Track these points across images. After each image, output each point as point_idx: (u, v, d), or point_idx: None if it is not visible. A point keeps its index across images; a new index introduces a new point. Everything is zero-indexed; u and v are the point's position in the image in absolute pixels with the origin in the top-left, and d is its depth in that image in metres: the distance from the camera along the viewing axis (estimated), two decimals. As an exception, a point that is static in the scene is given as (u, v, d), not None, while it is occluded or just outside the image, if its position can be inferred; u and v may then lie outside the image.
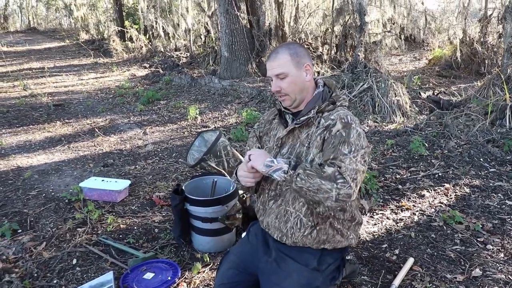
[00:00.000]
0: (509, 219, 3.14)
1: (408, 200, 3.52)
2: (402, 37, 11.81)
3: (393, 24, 11.35)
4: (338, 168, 1.62)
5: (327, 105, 1.83)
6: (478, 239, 2.91)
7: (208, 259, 2.75)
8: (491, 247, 2.81)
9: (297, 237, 1.85)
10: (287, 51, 1.81)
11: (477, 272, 2.54)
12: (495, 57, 8.55)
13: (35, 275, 2.66)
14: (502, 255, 2.72)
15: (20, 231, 3.18)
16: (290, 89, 1.82)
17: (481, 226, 3.04)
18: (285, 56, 1.80)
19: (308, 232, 1.84)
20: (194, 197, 2.79)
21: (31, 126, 6.16)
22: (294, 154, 1.84)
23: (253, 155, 1.78)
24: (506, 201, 3.42)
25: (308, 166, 1.68)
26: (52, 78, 9.84)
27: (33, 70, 10.95)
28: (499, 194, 3.55)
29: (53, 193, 3.86)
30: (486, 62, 8.65)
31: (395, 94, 6.04)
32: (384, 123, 5.64)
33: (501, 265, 2.61)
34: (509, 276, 2.49)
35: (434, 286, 2.42)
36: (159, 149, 5.05)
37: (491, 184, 3.73)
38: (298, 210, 1.84)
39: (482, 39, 8.83)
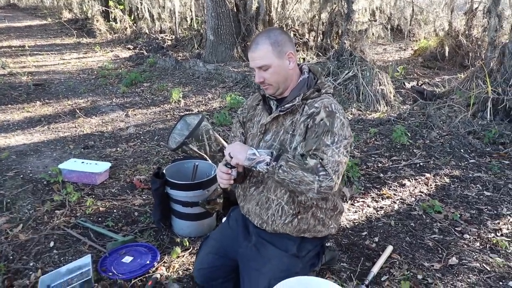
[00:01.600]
0: (486, 210, 3.20)
1: (389, 189, 3.55)
2: (389, 27, 11.82)
3: (381, 13, 11.34)
4: (321, 160, 1.62)
5: (312, 92, 1.81)
6: (456, 228, 2.95)
7: (187, 243, 2.73)
8: (468, 236, 2.86)
9: (277, 225, 1.85)
10: (267, 41, 1.76)
11: (453, 260, 2.58)
12: (479, 50, 8.62)
13: (11, 257, 2.62)
14: (478, 244, 2.77)
15: (-4, 212, 3.12)
16: (273, 79, 1.79)
17: (459, 215, 3.09)
18: (266, 46, 1.75)
19: (289, 220, 1.83)
20: (175, 181, 2.76)
21: (9, 105, 6.01)
22: (278, 141, 1.82)
23: (233, 151, 1.75)
24: (484, 192, 3.48)
25: (290, 157, 1.66)
26: (32, 57, 9.60)
27: (13, 48, 10.66)
28: (477, 185, 3.60)
29: (31, 175, 3.79)
30: (470, 54, 8.71)
31: (379, 83, 6.06)
32: (367, 112, 5.67)
33: (476, 253, 2.66)
34: (484, 265, 2.54)
35: (411, 274, 2.45)
36: (141, 132, 4.99)
37: (470, 175, 3.78)
38: (280, 197, 1.83)
39: (467, 32, 8.88)
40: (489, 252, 2.69)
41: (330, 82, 6.17)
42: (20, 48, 10.67)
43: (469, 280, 2.41)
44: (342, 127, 1.70)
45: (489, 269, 2.51)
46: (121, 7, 13.96)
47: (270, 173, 1.69)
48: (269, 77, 1.78)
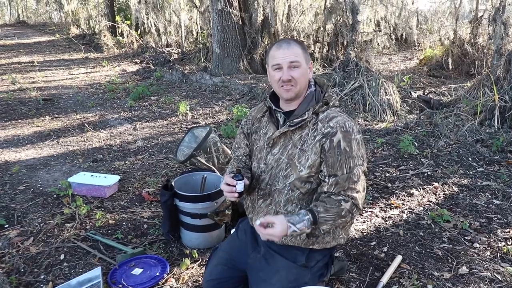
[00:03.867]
0: (495, 218, 3.18)
1: (397, 198, 3.54)
2: (394, 36, 11.87)
3: (386, 23, 11.39)
4: (353, 201, 1.75)
5: (321, 106, 1.82)
6: (466, 237, 2.93)
7: (196, 255, 2.74)
8: (478, 245, 2.84)
9: (286, 238, 1.85)
10: (298, 45, 1.82)
11: (463, 269, 2.56)
12: (485, 58, 8.61)
13: (22, 270, 2.64)
14: (488, 253, 2.75)
15: (7, 226, 3.15)
16: (300, 80, 1.80)
17: (468, 224, 3.07)
18: (298, 47, 1.80)
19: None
20: (184, 193, 2.78)
21: (19, 120, 6.09)
22: (286, 155, 1.83)
23: (275, 235, 1.65)
24: (493, 200, 3.46)
25: (327, 213, 1.71)
26: (41, 73, 9.74)
27: (22, 64, 10.83)
28: (486, 193, 3.58)
29: (41, 188, 3.83)
30: (476, 63, 8.71)
31: (385, 93, 6.07)
32: (374, 122, 5.67)
33: (487, 263, 2.64)
34: (495, 274, 2.52)
35: (421, 284, 2.44)
36: (149, 145, 5.02)
37: (479, 184, 3.76)
38: (290, 211, 1.84)
39: (472, 40, 8.89)
40: (500, 261, 2.66)
41: (336, 93, 6.20)
42: (29, 64, 10.83)
43: (480, 289, 2.40)
44: (358, 146, 1.77)
45: (500, 278, 2.49)
46: (128, 22, 14.17)
47: (313, 231, 1.77)
48: (298, 77, 1.79)
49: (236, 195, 1.80)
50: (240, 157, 2.09)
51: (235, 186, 1.78)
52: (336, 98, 1.90)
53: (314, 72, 8.28)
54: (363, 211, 3.33)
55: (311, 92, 1.88)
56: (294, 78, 1.78)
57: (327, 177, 1.76)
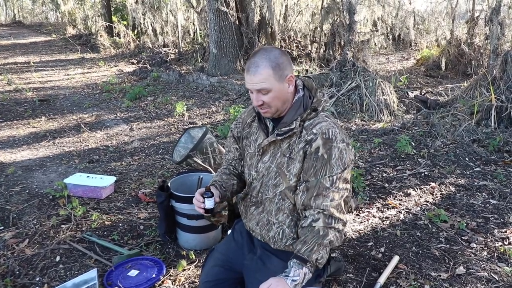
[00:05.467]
0: (492, 218, 3.18)
1: (394, 199, 3.53)
2: (391, 36, 11.88)
3: (383, 23, 11.40)
4: (324, 213, 1.66)
5: (309, 113, 1.77)
6: (463, 237, 2.93)
7: (193, 256, 2.73)
8: (475, 245, 2.84)
9: (279, 245, 1.85)
10: (269, 64, 1.68)
11: (461, 270, 2.56)
12: (481, 58, 8.63)
13: (17, 272, 2.62)
14: (485, 253, 2.75)
15: (1, 228, 3.13)
16: (273, 103, 1.74)
17: (465, 224, 3.07)
18: (267, 70, 1.68)
19: (290, 243, 1.83)
20: (180, 194, 2.77)
21: (15, 121, 6.06)
22: (275, 164, 1.81)
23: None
24: (490, 200, 3.46)
25: (303, 247, 1.63)
26: (37, 73, 9.70)
27: (18, 65, 10.79)
28: (483, 193, 3.58)
29: (36, 189, 3.80)
30: (473, 63, 8.72)
31: (382, 93, 6.07)
32: (371, 122, 5.67)
33: (484, 263, 2.64)
34: (492, 274, 2.52)
35: (418, 284, 2.43)
36: (145, 146, 5.01)
37: (475, 183, 3.76)
38: (281, 221, 1.83)
39: (469, 41, 8.91)
40: (496, 261, 2.66)
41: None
42: (25, 65, 10.79)
43: (477, 290, 2.40)
44: (340, 155, 1.69)
45: (497, 278, 2.48)
46: (125, 22, 14.15)
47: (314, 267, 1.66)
48: (269, 101, 1.72)
49: (203, 211, 1.80)
50: (230, 161, 2.07)
51: (203, 203, 1.78)
52: (327, 101, 1.85)
53: (311, 72, 8.28)
54: (360, 211, 3.32)
55: (299, 98, 1.81)
56: (265, 102, 1.73)
57: (300, 185, 1.73)
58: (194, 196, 1.86)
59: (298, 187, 1.74)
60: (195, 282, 2.51)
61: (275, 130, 1.81)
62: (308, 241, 1.64)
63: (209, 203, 1.78)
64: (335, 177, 1.68)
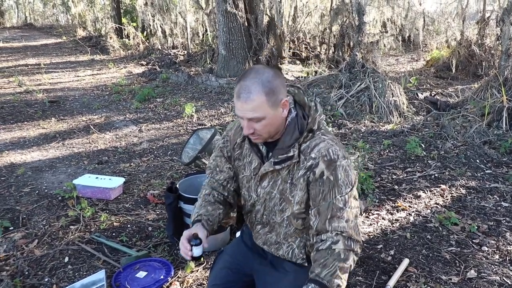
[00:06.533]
0: (504, 221, 3.13)
1: (404, 201, 3.50)
2: (400, 38, 11.81)
3: (393, 24, 11.34)
4: (344, 235, 1.54)
5: (306, 136, 1.63)
6: (474, 240, 2.89)
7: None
8: (486, 248, 2.80)
9: (288, 263, 1.81)
10: (262, 89, 1.51)
11: (472, 273, 2.53)
12: (492, 59, 8.55)
13: (26, 273, 2.63)
14: (497, 256, 2.71)
15: (11, 228, 3.15)
16: (265, 130, 1.59)
17: (476, 227, 3.03)
18: (260, 97, 1.51)
19: (300, 262, 1.78)
20: (188, 195, 2.76)
21: (25, 122, 6.11)
22: (277, 190, 1.70)
23: None
24: (502, 203, 3.41)
25: (323, 271, 1.51)
26: (48, 75, 9.78)
27: (29, 66, 10.88)
28: (495, 196, 3.54)
29: (46, 190, 3.83)
30: (484, 64, 8.65)
31: (392, 94, 6.03)
32: (381, 123, 5.63)
33: (496, 266, 2.60)
34: (504, 278, 2.48)
35: (428, 287, 2.41)
36: (154, 147, 5.02)
37: (487, 186, 3.72)
38: (291, 242, 1.77)
39: (479, 41, 8.83)
40: (509, 264, 2.62)
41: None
42: (36, 66, 10.88)
43: (488, 294, 2.36)
44: (346, 174, 1.58)
45: (510, 283, 2.45)
46: (134, 24, 14.22)
47: None
48: (261, 129, 1.57)
49: (190, 258, 1.71)
50: (221, 182, 1.90)
51: (190, 250, 1.66)
52: (322, 117, 1.69)
53: (320, 74, 8.25)
54: (370, 213, 3.30)
55: (293, 119, 1.65)
56: (256, 130, 1.58)
57: (311, 211, 1.63)
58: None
59: (309, 212, 1.63)
60: (204, 284, 2.51)
61: (270, 157, 1.69)
62: (329, 264, 1.52)
63: (197, 251, 1.66)
64: (346, 196, 1.57)
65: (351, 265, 1.54)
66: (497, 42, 8.17)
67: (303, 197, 1.65)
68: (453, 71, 9.01)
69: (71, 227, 3.16)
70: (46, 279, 2.58)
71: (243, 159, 1.81)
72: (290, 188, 1.67)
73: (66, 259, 2.78)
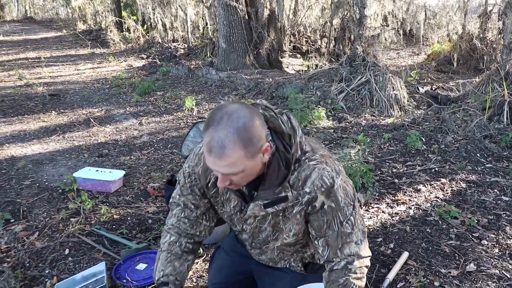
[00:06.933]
0: (504, 215, 3.13)
1: (404, 194, 3.50)
2: (401, 31, 11.76)
3: (394, 17, 11.29)
4: (356, 257, 1.51)
5: (293, 170, 1.45)
6: (473, 234, 2.90)
7: (201, 250, 2.73)
8: (486, 242, 2.80)
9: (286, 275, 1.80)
10: (238, 142, 1.25)
11: (471, 267, 2.53)
12: (494, 53, 8.51)
13: (27, 264, 2.64)
14: (496, 250, 2.72)
15: (12, 220, 3.16)
16: (244, 180, 1.40)
17: (476, 221, 3.03)
18: (237, 151, 1.26)
19: (297, 273, 1.78)
20: (188, 188, 2.76)
21: (26, 115, 6.11)
22: (268, 225, 1.58)
23: None
24: (502, 197, 3.41)
25: None
26: (48, 68, 9.76)
27: (29, 60, 10.86)
28: (495, 190, 3.54)
29: (46, 183, 3.83)
30: (485, 58, 8.61)
31: (393, 88, 6.02)
32: (381, 117, 5.62)
33: (495, 260, 2.60)
34: (503, 272, 2.49)
35: (428, 281, 2.41)
36: (154, 140, 5.02)
37: (487, 180, 3.71)
38: (287, 259, 1.75)
39: (481, 35, 8.79)
40: (508, 258, 2.63)
41: (342, 88, 6.15)
42: (36, 60, 10.86)
43: (488, 287, 2.36)
44: (345, 192, 1.48)
45: (509, 276, 2.45)
46: (134, 17, 14.17)
47: None
48: (239, 180, 1.38)
49: None
50: (195, 219, 1.71)
51: None
52: (301, 135, 1.47)
53: (321, 67, 8.23)
54: (370, 207, 3.30)
55: (274, 155, 1.41)
56: (233, 181, 1.38)
57: (316, 240, 1.55)
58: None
59: (315, 242, 1.56)
60: (203, 276, 2.51)
61: (255, 197, 1.50)
62: (349, 285, 1.49)
63: None
64: (351, 218, 1.50)
65: (362, 277, 1.53)
66: (499, 36, 8.13)
67: (300, 229, 1.57)
68: (454, 65, 8.98)
69: (72, 219, 3.17)
70: (47, 271, 2.58)
71: (220, 196, 1.61)
72: (283, 220, 1.55)
73: (67, 251, 2.78)
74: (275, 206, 1.48)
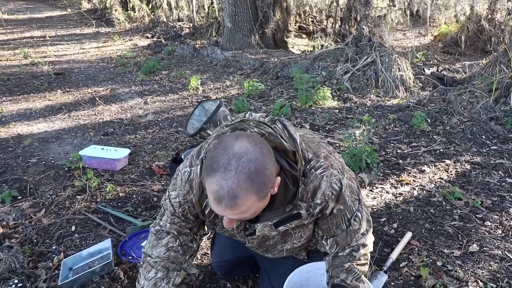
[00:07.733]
0: (508, 197, 3.14)
1: (408, 175, 3.51)
2: (408, 12, 11.60)
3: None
4: (362, 246, 1.56)
5: (302, 182, 1.38)
6: (477, 215, 2.91)
7: (206, 228, 2.75)
8: (489, 223, 2.81)
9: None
10: (252, 189, 1.14)
11: (474, 247, 2.55)
12: (502, 34, 8.39)
13: (35, 240, 2.68)
14: (499, 231, 2.73)
15: (20, 197, 3.19)
16: (252, 216, 1.30)
17: (480, 202, 3.04)
18: (250, 199, 1.16)
19: (301, 259, 1.80)
20: (193, 167, 2.77)
21: (31, 94, 6.12)
22: (277, 234, 1.53)
23: None
24: (507, 179, 3.41)
25: (349, 277, 1.52)
26: (53, 47, 9.73)
27: (34, 39, 10.82)
28: (499, 172, 3.53)
29: (53, 161, 3.86)
30: (493, 39, 8.49)
31: (398, 69, 5.97)
32: (386, 98, 5.59)
33: (498, 241, 2.62)
34: (506, 252, 2.50)
35: (431, 260, 2.43)
36: (159, 119, 5.02)
37: (492, 162, 3.71)
38: (290, 251, 1.74)
39: (489, 16, 8.65)
40: (511, 239, 2.64)
41: (348, 68, 6.10)
42: (41, 39, 10.82)
43: (490, 268, 2.38)
44: (351, 190, 1.48)
45: (511, 257, 2.47)
46: (139, -4, 14.02)
47: None
48: (246, 217, 1.27)
49: None
50: (187, 244, 1.64)
51: None
52: (299, 141, 1.36)
53: (327, 47, 8.16)
54: (374, 187, 3.31)
55: (282, 176, 1.31)
56: (240, 220, 1.36)
57: (324, 239, 1.58)
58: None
59: (323, 241, 1.59)
60: (207, 253, 2.55)
61: (261, 218, 1.44)
62: (354, 270, 1.52)
63: None
64: (358, 213, 1.52)
65: (366, 261, 1.60)
66: (508, 17, 8.01)
67: (310, 233, 1.59)
68: (462, 46, 8.87)
69: (78, 197, 3.20)
70: (54, 247, 2.63)
71: (220, 219, 1.52)
72: (294, 230, 1.54)
73: (73, 228, 2.82)
74: (287, 224, 1.44)
